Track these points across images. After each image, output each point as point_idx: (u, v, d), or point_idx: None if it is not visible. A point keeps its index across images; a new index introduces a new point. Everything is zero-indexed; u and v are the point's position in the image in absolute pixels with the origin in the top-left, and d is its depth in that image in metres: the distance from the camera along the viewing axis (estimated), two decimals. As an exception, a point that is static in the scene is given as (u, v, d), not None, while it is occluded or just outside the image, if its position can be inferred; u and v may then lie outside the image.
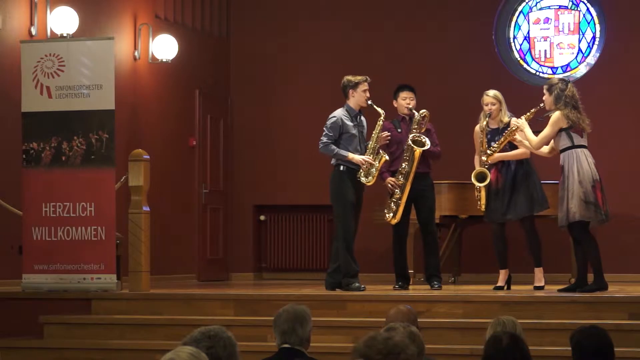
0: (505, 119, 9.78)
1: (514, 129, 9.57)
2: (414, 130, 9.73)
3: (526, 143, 9.51)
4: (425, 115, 9.80)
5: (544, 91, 9.38)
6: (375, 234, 12.09)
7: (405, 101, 9.89)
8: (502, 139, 9.67)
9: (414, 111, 9.79)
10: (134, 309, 9.32)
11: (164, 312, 9.19)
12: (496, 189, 9.73)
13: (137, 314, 9.24)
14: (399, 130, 9.89)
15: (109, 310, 9.31)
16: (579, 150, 9.10)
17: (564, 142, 9.13)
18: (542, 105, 9.43)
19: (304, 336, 5.23)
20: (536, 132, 9.42)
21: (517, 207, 9.65)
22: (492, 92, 9.88)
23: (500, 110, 9.80)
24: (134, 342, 8.80)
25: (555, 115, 9.17)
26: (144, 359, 8.46)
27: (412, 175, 9.68)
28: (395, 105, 9.97)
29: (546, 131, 9.24)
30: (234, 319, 8.82)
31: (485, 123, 9.78)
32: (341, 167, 9.67)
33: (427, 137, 9.77)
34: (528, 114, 9.53)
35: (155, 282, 10.11)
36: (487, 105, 9.83)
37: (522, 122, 9.50)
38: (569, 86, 9.25)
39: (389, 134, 9.77)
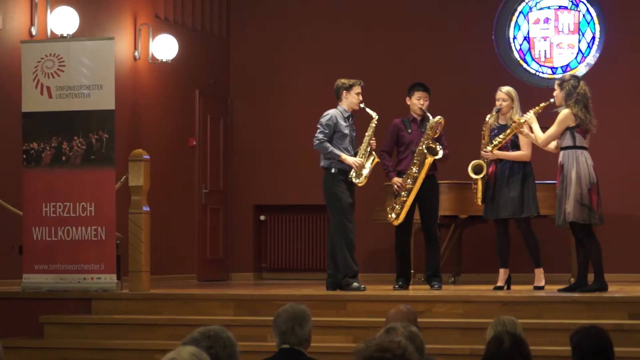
0: (515, 117, 9.69)
1: (522, 121, 9.43)
2: (428, 135, 9.68)
3: (532, 137, 9.38)
4: (440, 122, 9.71)
5: (555, 86, 9.27)
6: (376, 234, 12.11)
7: (419, 101, 9.81)
8: (508, 131, 9.55)
9: (429, 115, 9.73)
10: (134, 309, 9.32)
11: (164, 312, 9.19)
12: (493, 185, 9.72)
13: (137, 314, 9.23)
14: (409, 131, 9.84)
15: (109, 310, 9.30)
16: (578, 151, 9.04)
17: (566, 140, 9.09)
18: (552, 100, 9.28)
19: (303, 336, 5.19)
20: (543, 128, 9.31)
21: (507, 206, 9.63)
22: (505, 89, 9.83)
23: (512, 107, 9.73)
24: (134, 342, 8.79)
25: (564, 113, 9.07)
26: (144, 359, 8.46)
27: (420, 180, 9.65)
28: (408, 103, 9.90)
29: (553, 129, 9.13)
30: (234, 319, 8.81)
31: (490, 118, 9.74)
32: (332, 170, 9.64)
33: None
34: (537, 107, 9.38)
35: (155, 282, 10.11)
36: (498, 100, 9.79)
37: (530, 116, 9.37)
38: (581, 84, 9.13)
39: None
